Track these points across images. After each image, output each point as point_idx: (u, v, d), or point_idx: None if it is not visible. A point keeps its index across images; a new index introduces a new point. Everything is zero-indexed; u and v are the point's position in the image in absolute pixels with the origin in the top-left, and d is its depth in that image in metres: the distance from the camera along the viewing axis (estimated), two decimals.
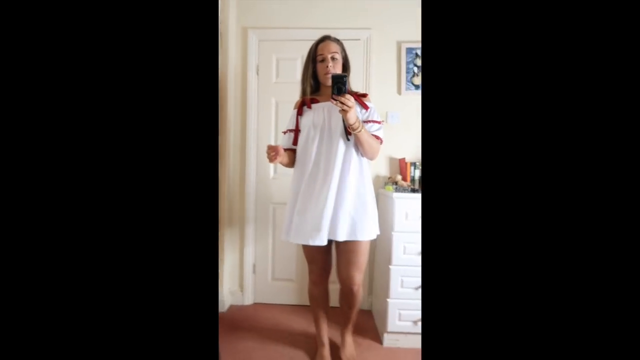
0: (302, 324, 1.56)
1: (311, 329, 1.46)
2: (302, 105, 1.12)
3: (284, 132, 1.18)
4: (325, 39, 1.09)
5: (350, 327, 1.26)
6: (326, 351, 1.24)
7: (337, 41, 1.09)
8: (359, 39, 1.67)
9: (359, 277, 1.10)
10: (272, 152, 0.97)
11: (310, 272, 1.18)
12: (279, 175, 1.73)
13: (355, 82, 1.65)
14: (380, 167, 1.68)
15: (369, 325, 1.54)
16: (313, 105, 1.11)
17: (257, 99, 1.71)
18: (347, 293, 1.13)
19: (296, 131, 1.13)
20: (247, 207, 1.72)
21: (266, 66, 1.71)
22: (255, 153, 1.72)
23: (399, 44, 1.65)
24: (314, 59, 1.07)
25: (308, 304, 1.66)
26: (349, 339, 1.28)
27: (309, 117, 1.09)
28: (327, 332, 1.26)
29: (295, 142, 1.14)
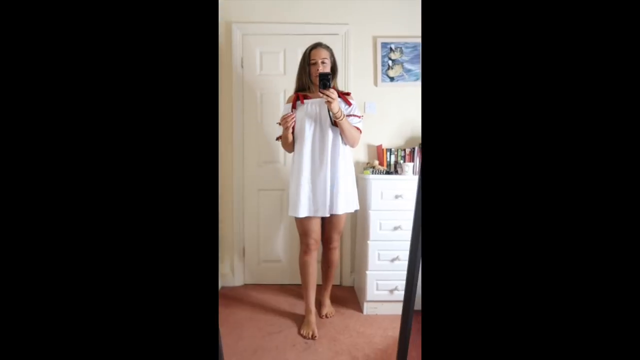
0: (289, 300, 1.68)
1: (297, 305, 1.60)
2: (296, 100, 1.33)
3: (279, 123, 1.36)
4: (317, 45, 1.32)
5: (328, 289, 1.50)
6: (313, 317, 1.38)
7: (327, 48, 1.33)
8: (338, 34, 1.78)
9: (338, 239, 1.44)
10: (290, 119, 1.27)
11: (304, 243, 1.38)
12: (263, 163, 1.83)
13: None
14: (360, 154, 1.81)
15: (352, 299, 1.68)
16: (305, 101, 1.33)
17: (243, 90, 1.80)
18: (328, 253, 1.45)
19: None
20: (235, 194, 1.82)
21: (250, 59, 1.80)
22: (242, 142, 1.82)
23: (374, 39, 1.78)
24: (308, 62, 1.30)
25: (294, 282, 1.80)
26: (327, 300, 1.51)
27: (302, 110, 1.32)
28: (314, 300, 1.41)
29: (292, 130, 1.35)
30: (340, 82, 1.77)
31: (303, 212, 1.32)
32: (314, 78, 1.30)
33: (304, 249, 1.38)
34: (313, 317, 1.38)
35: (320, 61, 1.29)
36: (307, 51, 1.32)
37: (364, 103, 1.79)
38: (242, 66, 1.80)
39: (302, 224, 1.36)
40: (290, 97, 1.39)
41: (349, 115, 1.31)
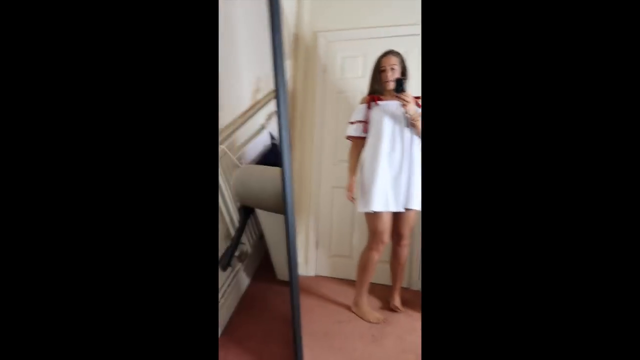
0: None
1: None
2: (371, 102, 1.44)
3: (352, 123, 1.48)
4: (387, 53, 1.42)
5: (399, 288, 1.55)
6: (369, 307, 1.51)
7: (397, 54, 1.42)
8: (418, 34, 1.77)
9: (410, 235, 1.49)
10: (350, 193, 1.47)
11: (376, 240, 1.43)
12: (339, 162, 1.93)
13: (416, 75, 1.76)
14: None
15: (420, 304, 1.64)
16: (380, 102, 1.43)
17: (325, 94, 1.94)
18: (400, 250, 1.50)
19: (365, 122, 1.45)
20: (312, 190, 1.96)
21: (333, 64, 1.92)
22: (321, 142, 1.95)
23: None
24: (378, 69, 1.42)
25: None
26: (397, 296, 1.56)
27: (378, 109, 1.41)
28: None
29: (365, 130, 1.45)
30: (417, 83, 1.76)
31: (377, 206, 1.35)
32: (384, 84, 1.40)
33: (375, 246, 1.42)
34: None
35: (389, 68, 1.39)
36: (378, 59, 1.42)
37: None
38: (324, 71, 1.94)
39: (376, 219, 1.39)
40: (364, 98, 1.48)
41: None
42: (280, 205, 1.16)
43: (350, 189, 1.47)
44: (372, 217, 1.40)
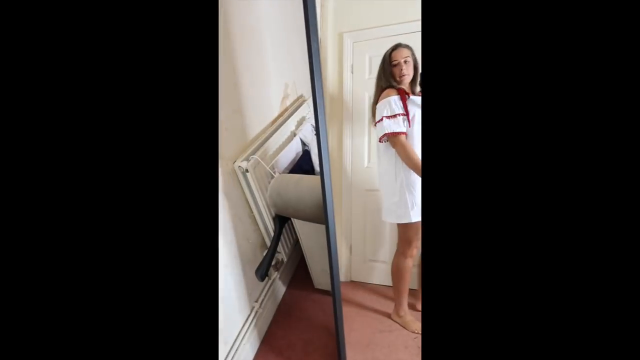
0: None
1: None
2: (405, 95, 1.29)
3: (390, 117, 1.24)
4: (397, 46, 1.32)
5: None
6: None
7: (408, 47, 1.32)
8: None
9: None
10: None
11: (413, 247, 1.36)
12: (372, 164, 1.87)
13: None
14: None
15: None
16: (411, 97, 1.31)
17: (352, 95, 1.89)
18: None
19: (407, 114, 1.27)
20: (343, 194, 1.91)
21: (360, 64, 1.87)
22: (351, 144, 1.90)
23: None
24: (389, 63, 1.31)
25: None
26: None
27: (411, 105, 1.28)
28: None
29: (409, 123, 1.28)
30: None
31: (417, 215, 1.28)
32: (401, 78, 1.28)
33: (410, 252, 1.36)
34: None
35: (402, 61, 1.28)
36: (388, 53, 1.32)
37: None
38: (352, 72, 1.89)
39: (413, 227, 1.32)
40: (390, 91, 1.28)
41: None
42: (318, 216, 1.13)
43: None
44: (412, 226, 1.32)
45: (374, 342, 1.34)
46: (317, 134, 0.84)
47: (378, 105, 1.31)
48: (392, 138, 1.24)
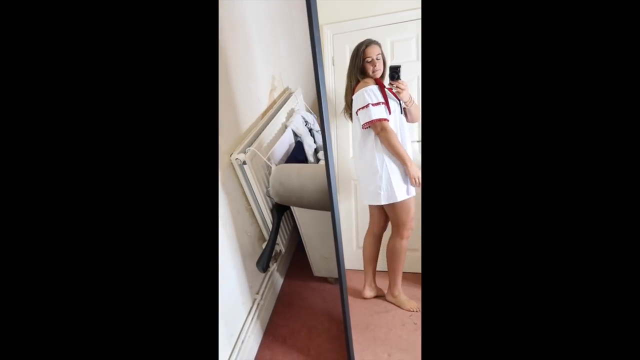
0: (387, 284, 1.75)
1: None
2: (383, 87, 1.36)
3: (375, 104, 1.32)
4: (371, 42, 1.40)
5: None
6: None
7: (378, 44, 1.41)
8: None
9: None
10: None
11: (406, 227, 1.41)
12: (354, 154, 1.93)
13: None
14: None
15: None
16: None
17: (335, 86, 1.92)
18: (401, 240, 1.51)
19: (387, 103, 1.34)
20: (331, 184, 1.95)
21: (340, 56, 1.91)
22: (335, 135, 1.94)
23: None
24: (362, 58, 1.37)
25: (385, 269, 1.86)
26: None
27: (387, 93, 1.35)
28: None
29: (389, 111, 1.36)
30: None
31: (412, 190, 1.34)
32: (372, 74, 1.35)
33: (406, 233, 1.42)
34: None
35: (375, 57, 1.35)
36: (361, 49, 1.38)
37: None
38: (333, 64, 1.92)
39: (406, 206, 1.37)
40: (365, 82, 1.35)
41: None
42: (322, 202, 1.16)
43: (419, 174, 1.33)
44: (406, 204, 1.39)
45: (373, 323, 1.41)
46: (322, 123, 0.86)
47: (356, 95, 1.37)
48: (377, 124, 1.32)
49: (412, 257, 1.91)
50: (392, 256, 1.49)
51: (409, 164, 1.31)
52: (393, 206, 1.37)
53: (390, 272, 1.54)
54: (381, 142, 1.33)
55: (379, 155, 1.34)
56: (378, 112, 1.31)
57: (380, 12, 1.80)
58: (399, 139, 1.35)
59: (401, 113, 1.39)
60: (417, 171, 1.33)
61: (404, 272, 1.86)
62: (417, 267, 1.90)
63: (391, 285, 1.54)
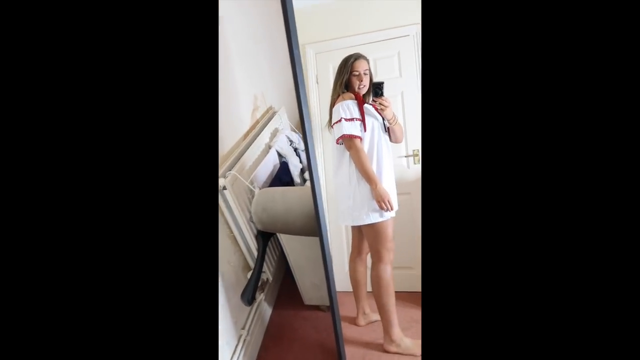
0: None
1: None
2: (363, 102, 1.29)
3: (348, 120, 1.25)
4: (360, 57, 1.33)
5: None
6: None
7: (367, 59, 1.34)
8: (409, 35, 1.78)
9: None
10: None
11: (389, 251, 1.28)
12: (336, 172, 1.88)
13: (409, 76, 1.76)
14: None
15: None
16: (367, 104, 1.31)
17: (320, 105, 1.89)
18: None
19: (364, 119, 1.27)
20: (317, 204, 1.88)
21: (324, 75, 1.89)
22: (322, 152, 1.90)
23: None
24: (350, 72, 1.31)
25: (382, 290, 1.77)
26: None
27: (367, 111, 1.29)
28: None
29: (365, 128, 1.27)
30: (415, 83, 1.76)
31: (387, 212, 1.23)
32: (358, 89, 1.30)
33: (389, 258, 1.28)
34: None
35: (363, 72, 1.30)
36: (350, 62, 1.31)
37: None
38: (317, 82, 1.90)
39: (388, 227, 1.25)
40: (346, 95, 1.30)
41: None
42: (309, 227, 1.08)
43: (387, 198, 1.21)
44: (383, 227, 1.25)
45: (370, 354, 1.31)
46: (305, 142, 0.80)
47: (334, 108, 1.32)
48: (347, 140, 1.24)
49: (405, 275, 1.84)
50: (378, 288, 1.28)
51: (373, 186, 1.20)
52: (366, 228, 1.26)
53: (380, 310, 1.30)
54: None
55: (352, 173, 1.27)
56: (350, 128, 1.24)
57: (362, 31, 1.80)
58: (376, 157, 1.27)
59: (384, 132, 1.33)
60: (384, 194, 1.20)
61: (397, 292, 1.77)
62: (413, 286, 1.82)
63: (386, 329, 1.29)
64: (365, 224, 1.24)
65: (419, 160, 1.75)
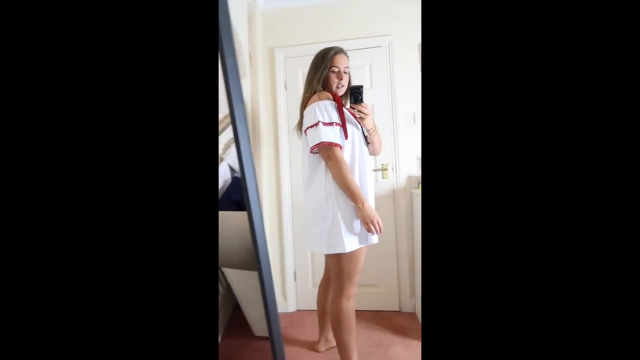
0: None
1: (360, 334, 1.47)
2: (342, 104, 1.06)
3: (327, 124, 1.01)
4: (340, 51, 1.12)
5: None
6: None
7: (347, 56, 1.14)
8: (381, 46, 1.72)
9: None
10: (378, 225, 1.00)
11: (353, 283, 1.06)
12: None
13: (380, 87, 1.70)
14: (412, 168, 1.70)
15: (416, 328, 1.52)
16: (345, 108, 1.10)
17: (287, 112, 1.80)
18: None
19: (344, 125, 1.04)
20: (283, 217, 1.78)
21: (293, 81, 1.80)
22: (289, 162, 1.80)
23: (419, 47, 1.69)
24: (328, 67, 1.08)
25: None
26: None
27: (347, 115, 1.07)
28: None
29: (346, 135, 1.05)
30: (386, 95, 1.71)
31: (368, 238, 1.04)
32: (335, 88, 1.09)
33: (353, 291, 1.06)
34: None
35: (342, 69, 1.09)
36: (330, 55, 1.08)
37: (413, 113, 1.69)
38: (285, 88, 1.81)
39: (358, 257, 1.05)
40: (324, 95, 1.06)
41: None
42: (250, 262, 0.96)
43: (377, 218, 0.99)
44: (357, 256, 1.04)
45: None
46: (240, 163, 0.67)
47: (308, 109, 1.05)
48: (325, 149, 1.00)
49: (370, 294, 1.76)
50: (339, 324, 1.07)
51: (360, 205, 0.98)
52: (338, 256, 1.03)
53: (339, 346, 1.09)
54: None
55: (330, 189, 1.03)
56: (329, 134, 0.99)
57: (334, 39, 1.73)
58: (358, 171, 1.05)
59: (365, 143, 1.12)
60: (373, 214, 0.98)
61: (360, 311, 1.62)
62: (377, 304, 1.76)
63: None
64: (346, 252, 1.00)
65: (387, 175, 1.69)
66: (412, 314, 1.67)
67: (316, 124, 1.01)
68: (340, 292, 1.06)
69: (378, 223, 0.98)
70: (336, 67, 1.09)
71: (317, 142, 1.00)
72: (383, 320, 1.61)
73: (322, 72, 1.09)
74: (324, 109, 1.02)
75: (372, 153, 1.18)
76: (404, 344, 1.38)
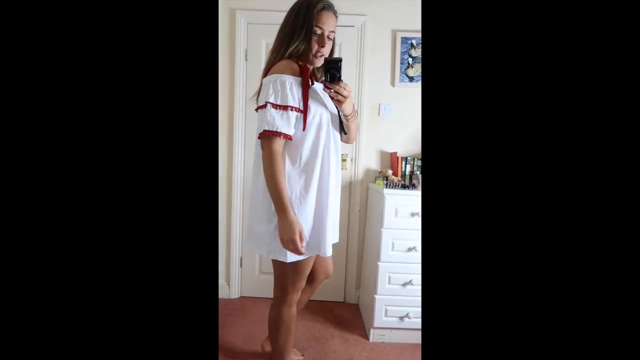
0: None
1: (299, 325, 1.45)
2: (309, 77, 0.83)
3: (279, 107, 0.80)
4: (330, 8, 0.85)
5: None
6: None
7: (337, 17, 0.87)
8: (353, 26, 1.60)
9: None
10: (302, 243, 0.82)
11: (296, 290, 0.95)
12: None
13: (348, 73, 1.59)
14: (371, 160, 1.65)
15: (357, 321, 1.53)
16: (315, 84, 0.87)
17: (246, 86, 1.63)
18: (314, 289, 1.12)
19: (305, 111, 0.82)
20: (233, 200, 1.67)
21: (255, 51, 1.62)
22: (243, 144, 1.66)
23: (394, 33, 1.59)
24: (311, 25, 0.82)
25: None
26: None
27: (313, 97, 0.85)
28: None
29: (304, 126, 0.83)
30: (353, 81, 1.60)
31: (311, 250, 0.89)
32: (312, 56, 0.85)
33: (295, 298, 0.96)
34: None
35: (327, 33, 0.84)
36: (316, 9, 0.82)
37: (379, 105, 1.62)
38: (246, 58, 1.63)
39: (305, 266, 0.91)
40: (292, 68, 0.82)
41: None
42: None
43: (296, 235, 0.79)
44: (297, 266, 0.89)
45: None
46: None
47: (266, 81, 0.83)
48: (266, 139, 0.80)
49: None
50: (277, 330, 0.98)
51: (281, 214, 0.79)
52: (281, 264, 0.88)
53: (274, 352, 1.02)
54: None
55: (294, 191, 0.85)
56: (276, 121, 0.79)
57: None
58: (320, 166, 0.86)
59: (341, 131, 0.92)
60: (291, 230, 0.78)
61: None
62: (324, 295, 1.69)
63: None
64: (289, 261, 0.84)
65: (345, 166, 1.63)
66: (356, 305, 1.68)
67: (264, 105, 0.81)
68: (282, 299, 0.95)
69: (294, 241, 0.78)
70: (320, 27, 0.82)
71: (261, 129, 0.81)
72: (325, 311, 1.60)
73: (301, 31, 0.82)
74: (280, 86, 0.79)
75: (346, 141, 0.96)
76: (342, 338, 1.39)
